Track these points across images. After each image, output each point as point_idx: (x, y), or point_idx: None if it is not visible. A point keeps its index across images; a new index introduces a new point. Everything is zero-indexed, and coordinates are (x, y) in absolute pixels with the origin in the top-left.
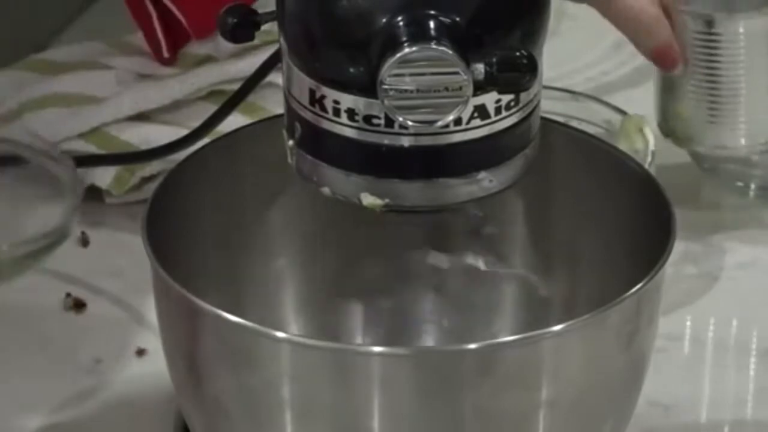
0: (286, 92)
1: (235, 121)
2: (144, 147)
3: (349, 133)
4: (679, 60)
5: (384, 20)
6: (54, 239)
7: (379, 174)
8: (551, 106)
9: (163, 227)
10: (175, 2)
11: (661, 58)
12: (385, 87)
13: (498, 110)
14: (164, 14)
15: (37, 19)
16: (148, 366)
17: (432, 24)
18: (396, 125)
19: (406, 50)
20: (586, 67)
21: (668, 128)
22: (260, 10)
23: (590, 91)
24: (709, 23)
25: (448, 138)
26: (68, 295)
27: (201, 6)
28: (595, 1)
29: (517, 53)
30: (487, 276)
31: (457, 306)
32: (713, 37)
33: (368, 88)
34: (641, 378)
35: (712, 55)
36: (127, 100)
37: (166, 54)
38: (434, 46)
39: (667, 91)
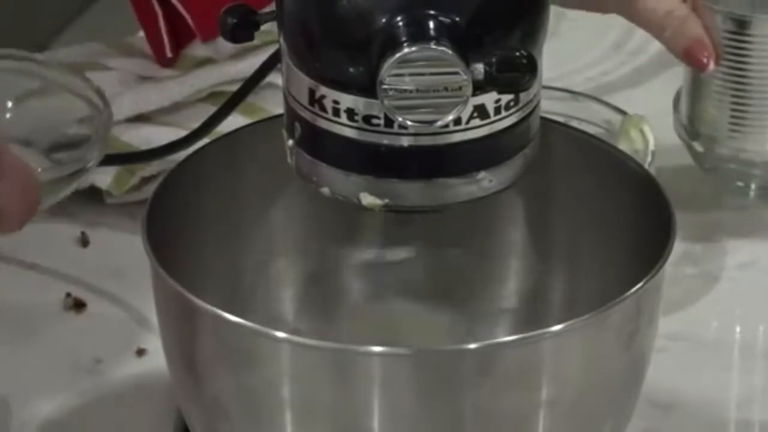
0: (285, 92)
1: (234, 121)
2: (144, 148)
3: (348, 133)
4: (710, 59)
5: (384, 20)
6: (82, 165)
7: (379, 174)
8: (551, 106)
9: (163, 227)
10: (183, 3)
11: (692, 59)
12: (385, 87)
13: (497, 110)
14: (169, 14)
15: (37, 19)
16: (148, 366)
17: (432, 24)
18: (395, 125)
19: (406, 50)
20: (586, 67)
21: (693, 131)
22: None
23: (590, 91)
24: (742, 24)
25: (447, 138)
26: (68, 295)
27: (208, 8)
28: (620, 7)
29: (517, 53)
30: (488, 275)
31: (457, 306)
32: (745, 38)
33: (368, 88)
34: (641, 378)
35: (741, 56)
36: (127, 101)
37: (169, 54)
38: (434, 46)
39: (694, 91)
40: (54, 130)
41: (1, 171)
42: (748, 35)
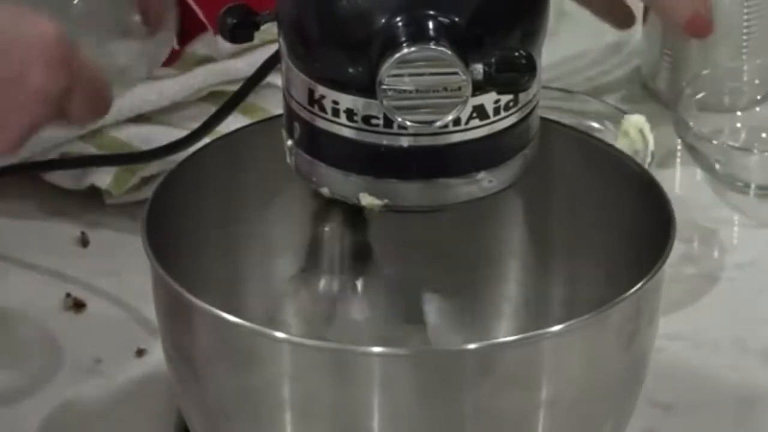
0: (285, 92)
1: (234, 121)
2: (144, 148)
3: (347, 133)
4: (711, 25)
5: (383, 20)
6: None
7: (378, 174)
8: (551, 106)
9: (163, 227)
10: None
11: (694, 28)
12: (384, 87)
13: (497, 110)
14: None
15: None
16: (148, 366)
17: (431, 24)
18: (395, 125)
19: (405, 50)
20: (586, 67)
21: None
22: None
23: (590, 91)
24: None
25: (447, 138)
26: (68, 295)
27: (219, 1)
28: None
29: (516, 53)
30: (488, 276)
31: (457, 306)
32: None
33: (367, 88)
34: (641, 378)
35: None
36: (127, 101)
37: (176, 46)
38: (433, 47)
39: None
40: (119, 16)
41: (72, 77)
42: None
